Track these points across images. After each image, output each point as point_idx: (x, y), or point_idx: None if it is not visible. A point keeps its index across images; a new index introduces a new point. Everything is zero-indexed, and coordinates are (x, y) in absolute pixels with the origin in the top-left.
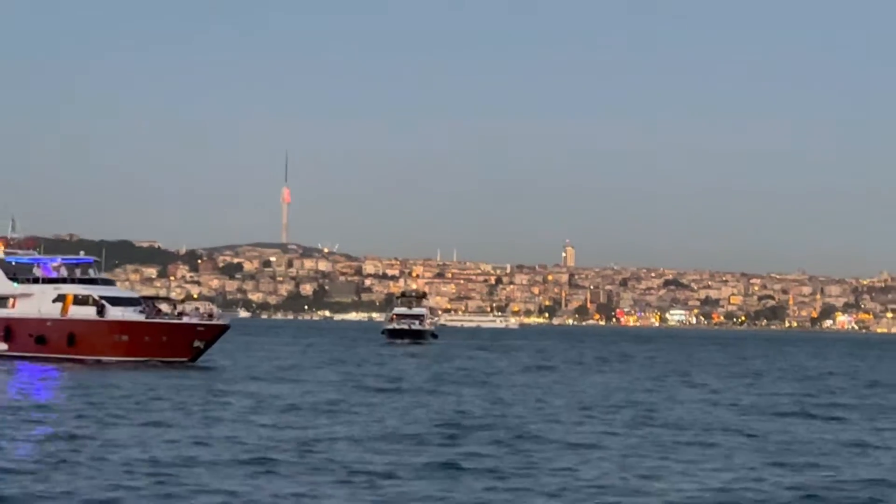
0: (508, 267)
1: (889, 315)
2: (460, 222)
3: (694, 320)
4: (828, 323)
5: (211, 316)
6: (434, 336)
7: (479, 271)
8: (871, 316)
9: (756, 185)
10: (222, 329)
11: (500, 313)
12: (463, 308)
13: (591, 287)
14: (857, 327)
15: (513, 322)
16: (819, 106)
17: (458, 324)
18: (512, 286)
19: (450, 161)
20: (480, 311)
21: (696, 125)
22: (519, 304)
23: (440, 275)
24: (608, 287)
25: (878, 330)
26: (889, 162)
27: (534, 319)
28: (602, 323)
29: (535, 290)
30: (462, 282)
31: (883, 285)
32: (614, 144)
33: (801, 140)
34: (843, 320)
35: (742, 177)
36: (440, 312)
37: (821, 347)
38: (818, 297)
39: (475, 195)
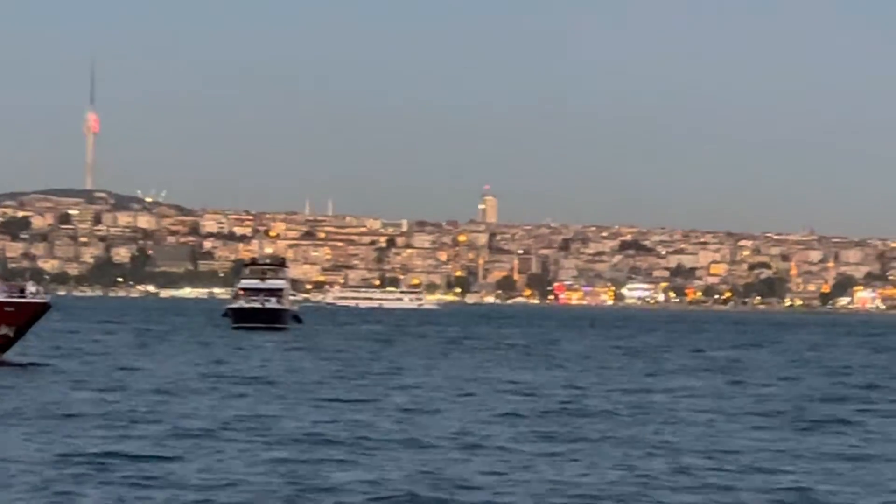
0: (405, 224)
1: None
2: (337, 162)
3: (661, 297)
4: (843, 300)
5: (23, 291)
6: (298, 319)
7: (363, 230)
8: None
9: (748, 116)
10: (40, 309)
11: (396, 288)
12: (342, 280)
13: (520, 252)
14: (882, 306)
15: (428, 300)
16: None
17: (352, 303)
18: (410, 251)
19: (322, 78)
20: (367, 283)
21: (670, 35)
22: (419, 276)
23: (309, 234)
24: (543, 252)
25: None
26: None
27: (439, 296)
28: (535, 301)
29: (442, 255)
30: (340, 244)
31: None
32: (552, 55)
33: (810, 62)
34: (865, 297)
35: (729, 106)
36: (309, 286)
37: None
38: (831, 265)
39: (358, 124)
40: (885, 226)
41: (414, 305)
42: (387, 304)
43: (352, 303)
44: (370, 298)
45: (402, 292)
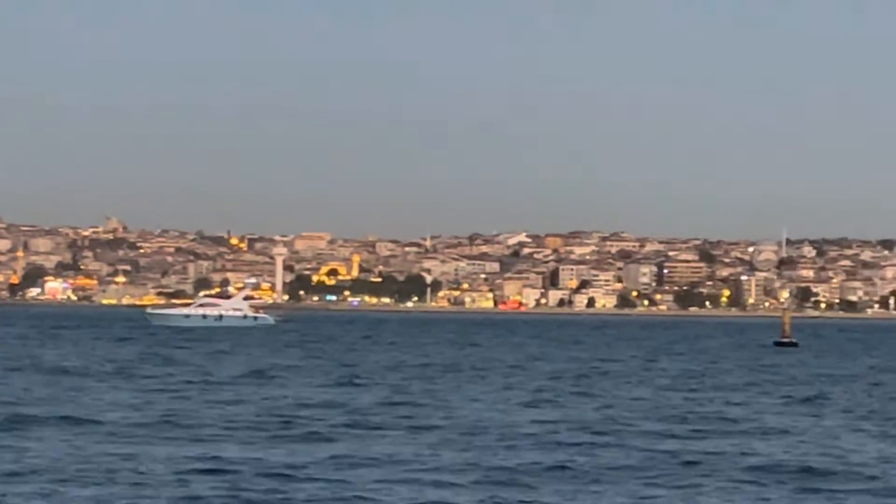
0: None
1: (120, 279)
2: None
3: None
4: (34, 291)
5: None
6: None
7: None
8: (97, 281)
9: None
10: None
11: None
12: None
13: None
14: (76, 297)
15: None
16: None
17: None
18: None
19: None
20: None
21: None
22: None
23: None
24: None
25: (105, 301)
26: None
27: None
28: None
29: None
30: None
31: (111, 237)
32: None
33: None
34: (55, 287)
35: None
36: None
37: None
38: (21, 254)
39: None
40: (77, 214)
41: None
42: None
43: None
44: None
45: None
